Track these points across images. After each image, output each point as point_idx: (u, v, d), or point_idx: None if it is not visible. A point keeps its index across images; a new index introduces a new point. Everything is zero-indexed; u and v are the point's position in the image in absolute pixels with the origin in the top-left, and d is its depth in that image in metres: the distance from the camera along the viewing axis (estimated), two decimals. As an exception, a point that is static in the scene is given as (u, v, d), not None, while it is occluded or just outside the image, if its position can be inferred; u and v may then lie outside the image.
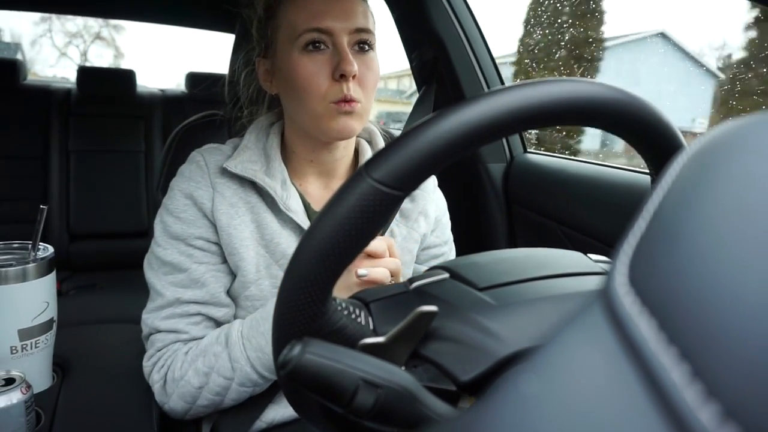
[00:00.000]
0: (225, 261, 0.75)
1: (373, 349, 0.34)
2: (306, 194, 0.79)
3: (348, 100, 0.68)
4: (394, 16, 1.48)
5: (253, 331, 0.69)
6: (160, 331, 0.73)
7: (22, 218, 1.90)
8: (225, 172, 0.74)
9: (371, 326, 0.39)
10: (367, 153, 0.82)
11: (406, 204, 0.84)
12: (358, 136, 0.83)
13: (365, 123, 0.75)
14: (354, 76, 0.68)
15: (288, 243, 0.75)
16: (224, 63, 0.94)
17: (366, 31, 0.71)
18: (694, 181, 0.17)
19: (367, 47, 0.72)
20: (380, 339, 0.35)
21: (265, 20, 0.74)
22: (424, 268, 0.87)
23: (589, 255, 0.44)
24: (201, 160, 0.76)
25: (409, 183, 0.34)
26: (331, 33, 0.69)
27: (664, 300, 0.14)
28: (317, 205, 0.79)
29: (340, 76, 0.68)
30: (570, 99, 0.35)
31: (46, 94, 2.11)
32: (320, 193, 0.80)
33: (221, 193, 0.74)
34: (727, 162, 0.16)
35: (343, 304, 0.39)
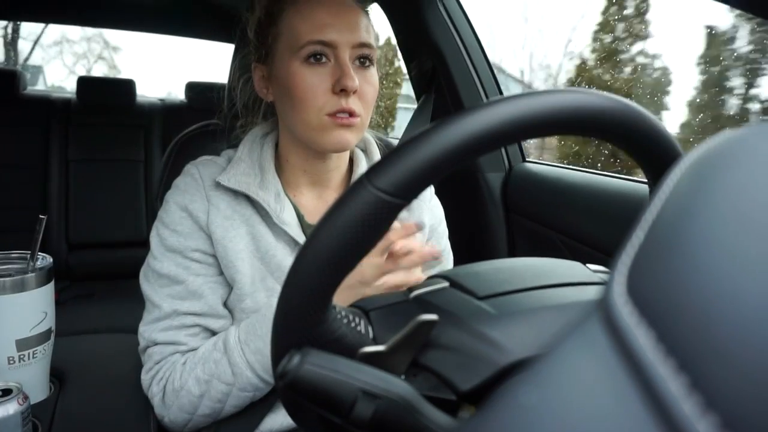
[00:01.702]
0: (221, 273, 0.75)
1: (372, 358, 0.34)
2: (300, 206, 0.78)
3: (349, 114, 0.69)
4: (393, 27, 1.49)
5: (250, 335, 0.69)
6: (157, 344, 0.73)
7: (21, 228, 1.89)
8: (219, 185, 0.74)
9: (371, 335, 0.39)
10: (362, 163, 0.82)
11: (402, 214, 0.83)
12: None
13: (361, 136, 0.75)
14: (355, 92, 0.68)
15: (283, 255, 0.75)
16: (221, 73, 0.94)
17: (368, 46, 0.71)
18: (692, 191, 0.17)
19: (368, 62, 0.72)
20: (380, 348, 0.35)
21: (265, 26, 0.74)
22: None
23: (587, 265, 0.44)
24: (195, 173, 0.75)
25: (410, 191, 0.34)
26: (334, 46, 0.69)
27: (663, 311, 0.14)
28: (311, 217, 0.78)
29: (341, 90, 0.68)
30: (569, 109, 0.35)
31: (45, 103, 2.11)
32: (314, 204, 0.80)
33: (216, 206, 0.73)
34: (725, 171, 0.17)
35: (343, 313, 0.39)
